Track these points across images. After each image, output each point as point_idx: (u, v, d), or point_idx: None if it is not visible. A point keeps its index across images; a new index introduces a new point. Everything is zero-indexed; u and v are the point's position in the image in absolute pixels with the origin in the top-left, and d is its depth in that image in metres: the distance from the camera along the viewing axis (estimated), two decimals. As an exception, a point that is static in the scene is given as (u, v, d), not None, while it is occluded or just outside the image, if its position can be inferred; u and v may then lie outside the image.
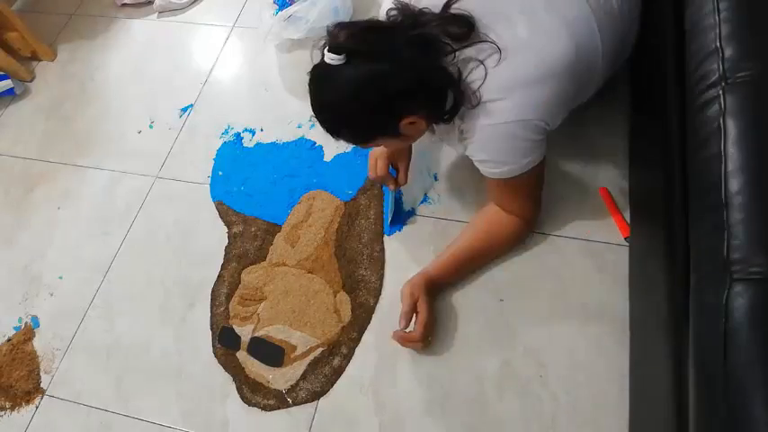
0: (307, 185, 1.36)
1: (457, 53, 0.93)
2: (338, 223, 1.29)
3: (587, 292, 1.10)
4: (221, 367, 1.17)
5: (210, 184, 1.43)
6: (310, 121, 1.46)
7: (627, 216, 1.15)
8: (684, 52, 0.81)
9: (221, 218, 1.36)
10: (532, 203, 1.11)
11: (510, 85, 0.93)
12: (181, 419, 1.13)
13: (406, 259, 1.21)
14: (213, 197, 1.40)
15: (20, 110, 1.73)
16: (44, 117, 1.69)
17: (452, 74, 0.92)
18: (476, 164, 1.04)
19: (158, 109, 1.61)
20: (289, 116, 1.49)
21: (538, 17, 0.94)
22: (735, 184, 0.63)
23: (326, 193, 1.34)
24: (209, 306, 1.25)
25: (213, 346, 1.20)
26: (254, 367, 1.16)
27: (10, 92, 1.72)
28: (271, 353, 1.16)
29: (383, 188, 1.30)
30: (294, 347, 1.16)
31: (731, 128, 0.67)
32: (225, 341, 1.20)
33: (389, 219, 1.25)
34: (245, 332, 1.20)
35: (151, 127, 1.58)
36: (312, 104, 0.96)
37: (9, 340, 1.30)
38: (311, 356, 1.14)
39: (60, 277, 1.37)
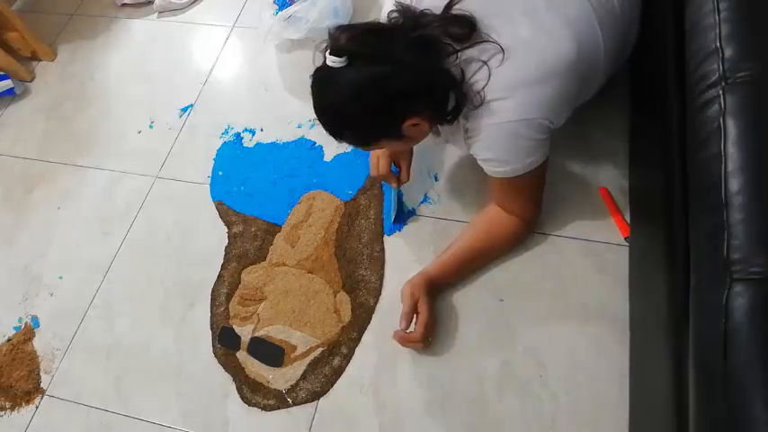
0: (307, 185, 1.36)
1: (459, 54, 0.93)
2: (338, 223, 1.29)
3: (587, 292, 1.10)
4: (221, 367, 1.17)
5: (210, 184, 1.43)
6: (310, 121, 1.46)
7: (627, 216, 1.15)
8: (684, 52, 0.81)
9: (221, 218, 1.36)
10: (533, 204, 1.11)
11: (513, 84, 0.93)
12: (181, 419, 1.13)
13: (406, 259, 1.21)
14: (213, 197, 1.40)
15: (20, 110, 1.73)
16: (44, 117, 1.69)
17: (455, 75, 0.92)
18: (480, 163, 1.04)
19: (158, 109, 1.61)
20: (289, 116, 1.49)
21: (539, 16, 0.95)
22: (735, 184, 0.63)
23: (326, 193, 1.34)
24: (209, 306, 1.25)
25: (213, 346, 1.20)
26: (254, 367, 1.16)
27: (10, 92, 1.72)
28: (271, 353, 1.16)
29: (384, 187, 1.30)
30: (294, 347, 1.16)
31: (731, 128, 0.67)
32: (225, 341, 1.20)
33: (393, 217, 1.25)
34: (245, 332, 1.20)
35: (151, 127, 1.58)
36: (314, 107, 0.96)
37: (9, 340, 1.30)
38: (311, 356, 1.14)
39: (60, 277, 1.37)
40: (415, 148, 1.24)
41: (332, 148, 1.40)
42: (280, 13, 1.53)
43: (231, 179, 1.42)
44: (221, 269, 1.29)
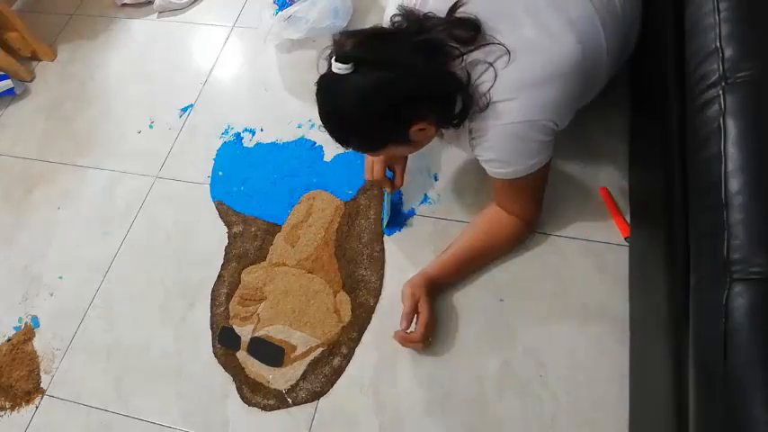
0: (307, 185, 1.36)
1: (464, 57, 0.92)
2: (338, 223, 1.29)
3: (587, 292, 1.10)
4: (221, 367, 1.17)
5: (210, 184, 1.43)
6: (310, 121, 1.46)
7: (627, 216, 1.15)
8: (684, 52, 0.81)
9: (221, 218, 1.36)
10: (534, 205, 1.11)
11: (518, 85, 0.93)
12: (181, 419, 1.13)
13: (406, 259, 1.22)
14: (213, 197, 1.40)
15: (20, 110, 1.73)
16: (44, 117, 1.69)
17: (461, 78, 0.92)
18: (482, 164, 1.04)
19: (158, 109, 1.61)
20: (289, 116, 1.49)
21: (543, 17, 0.94)
22: (735, 184, 0.63)
23: (326, 193, 1.34)
24: (209, 306, 1.25)
25: (213, 346, 1.20)
26: (254, 367, 1.16)
27: (10, 92, 1.72)
28: (271, 353, 1.16)
29: (383, 189, 1.30)
30: (294, 347, 1.16)
31: (731, 128, 0.67)
32: (225, 341, 1.20)
33: (386, 222, 1.25)
34: (245, 332, 1.20)
35: (151, 127, 1.58)
36: (320, 114, 0.95)
37: (9, 340, 1.30)
38: (311, 356, 1.14)
39: (60, 277, 1.37)
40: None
41: (332, 148, 1.40)
42: (280, 13, 1.53)
43: (231, 179, 1.42)
44: (221, 269, 1.29)
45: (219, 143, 1.49)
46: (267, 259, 1.28)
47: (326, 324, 1.17)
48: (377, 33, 0.94)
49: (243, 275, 1.27)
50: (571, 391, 1.02)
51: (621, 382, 1.00)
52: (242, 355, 1.18)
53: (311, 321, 1.18)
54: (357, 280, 1.21)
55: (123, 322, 1.28)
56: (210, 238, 1.34)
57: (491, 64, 0.92)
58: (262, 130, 1.49)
